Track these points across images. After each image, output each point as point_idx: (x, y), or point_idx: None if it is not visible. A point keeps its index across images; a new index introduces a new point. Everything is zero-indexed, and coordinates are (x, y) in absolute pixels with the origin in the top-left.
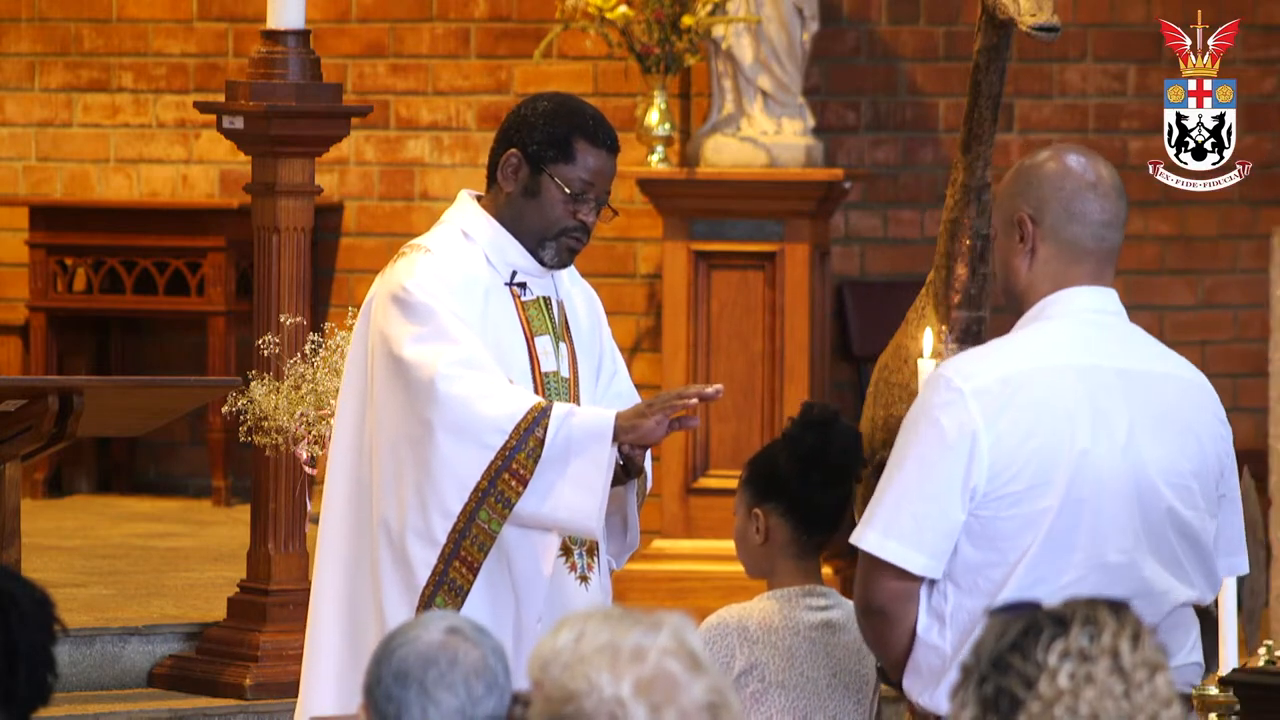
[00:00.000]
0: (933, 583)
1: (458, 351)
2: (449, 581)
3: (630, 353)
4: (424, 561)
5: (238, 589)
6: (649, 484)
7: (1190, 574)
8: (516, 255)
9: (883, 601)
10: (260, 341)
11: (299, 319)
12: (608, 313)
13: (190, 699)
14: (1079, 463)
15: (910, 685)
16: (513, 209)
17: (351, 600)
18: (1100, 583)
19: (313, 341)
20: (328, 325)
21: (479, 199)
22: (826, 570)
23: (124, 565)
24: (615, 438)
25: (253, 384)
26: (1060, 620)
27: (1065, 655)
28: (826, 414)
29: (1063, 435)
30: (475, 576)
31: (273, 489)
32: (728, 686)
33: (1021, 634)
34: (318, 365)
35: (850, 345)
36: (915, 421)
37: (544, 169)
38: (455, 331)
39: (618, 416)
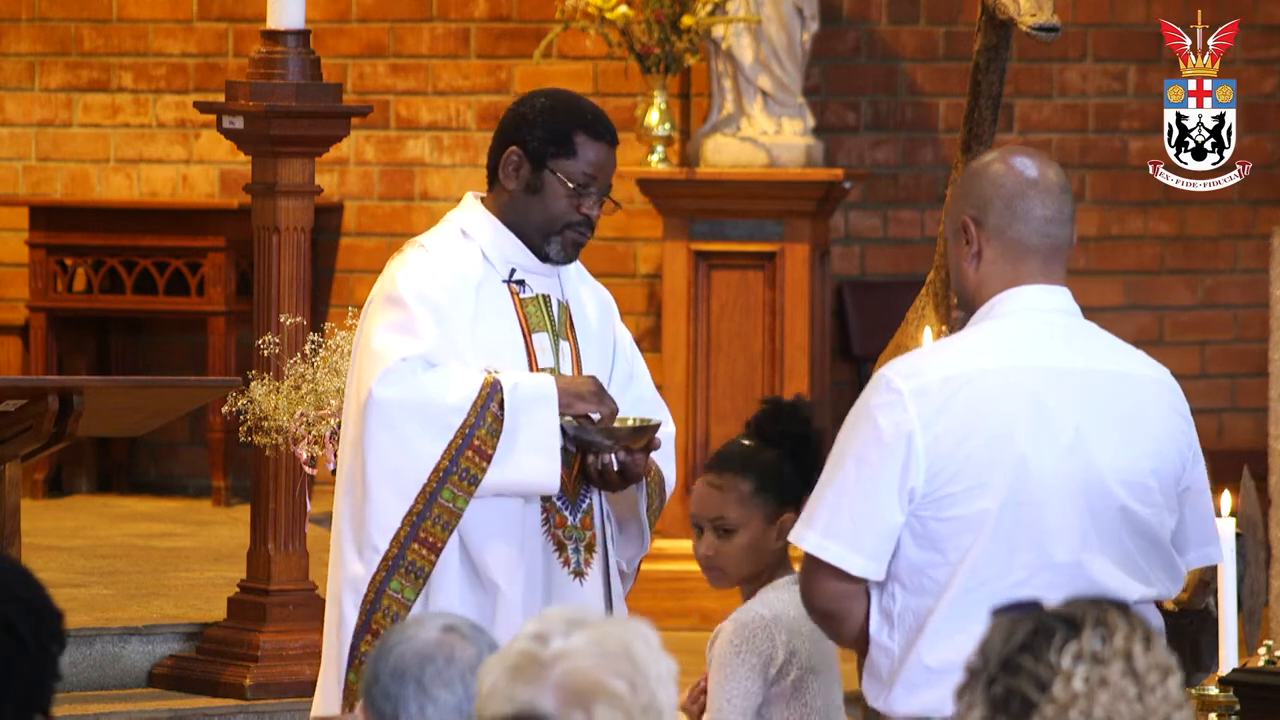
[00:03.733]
0: (883, 583)
1: (418, 346)
2: (406, 564)
3: None
4: (374, 548)
5: (238, 589)
6: (670, 484)
7: (1148, 572)
8: (517, 253)
9: (825, 602)
10: (260, 341)
11: (299, 319)
12: None
13: (190, 699)
14: (1019, 465)
15: (866, 688)
16: (516, 206)
17: None
18: (1048, 582)
19: (313, 341)
20: (328, 325)
21: (482, 199)
22: None
23: (124, 565)
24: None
25: (253, 384)
26: (1070, 622)
27: (1079, 658)
28: (800, 407)
29: (1002, 437)
30: (437, 558)
31: (273, 489)
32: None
33: (1031, 635)
34: (318, 365)
35: (850, 345)
36: (855, 421)
37: (546, 164)
38: (424, 328)
39: (558, 384)
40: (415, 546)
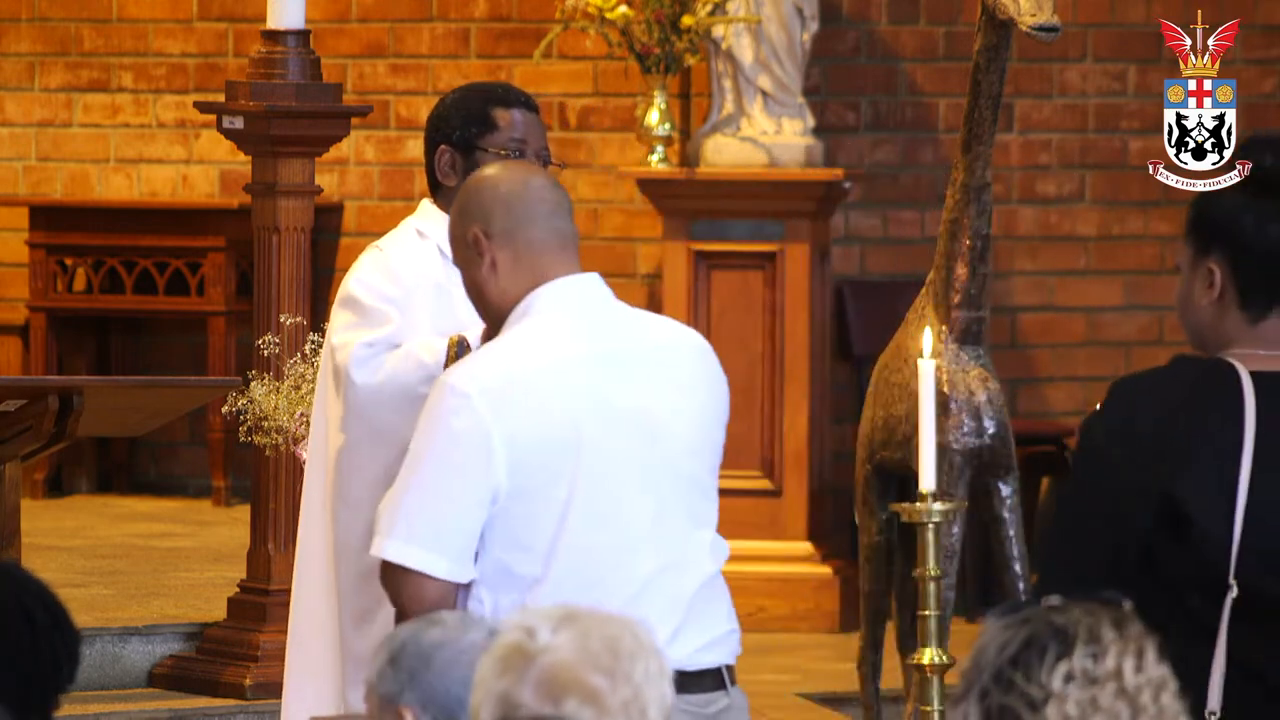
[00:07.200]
0: (467, 589)
1: (379, 332)
2: None
3: None
4: None
5: (238, 589)
6: None
7: (715, 540)
8: None
9: (418, 610)
10: (260, 341)
11: (299, 319)
12: None
13: (190, 699)
14: (587, 451)
15: None
16: None
17: (330, 604)
18: (640, 558)
19: (313, 341)
20: (327, 325)
21: (435, 203)
22: (825, 570)
23: (124, 565)
24: None
25: (253, 384)
26: (1063, 635)
27: (1070, 678)
28: None
29: (568, 426)
30: None
31: (273, 489)
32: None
33: (1024, 648)
34: (318, 365)
35: (850, 345)
36: (427, 428)
37: (474, 146)
38: (382, 317)
39: None
40: None
